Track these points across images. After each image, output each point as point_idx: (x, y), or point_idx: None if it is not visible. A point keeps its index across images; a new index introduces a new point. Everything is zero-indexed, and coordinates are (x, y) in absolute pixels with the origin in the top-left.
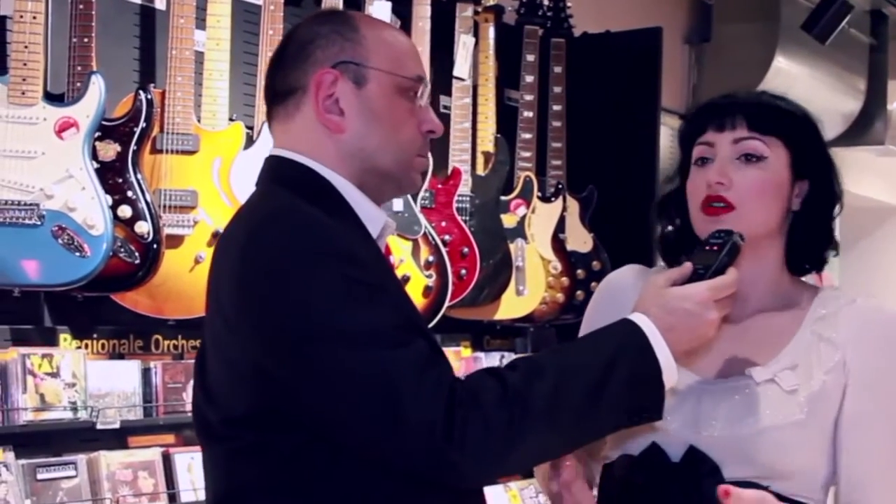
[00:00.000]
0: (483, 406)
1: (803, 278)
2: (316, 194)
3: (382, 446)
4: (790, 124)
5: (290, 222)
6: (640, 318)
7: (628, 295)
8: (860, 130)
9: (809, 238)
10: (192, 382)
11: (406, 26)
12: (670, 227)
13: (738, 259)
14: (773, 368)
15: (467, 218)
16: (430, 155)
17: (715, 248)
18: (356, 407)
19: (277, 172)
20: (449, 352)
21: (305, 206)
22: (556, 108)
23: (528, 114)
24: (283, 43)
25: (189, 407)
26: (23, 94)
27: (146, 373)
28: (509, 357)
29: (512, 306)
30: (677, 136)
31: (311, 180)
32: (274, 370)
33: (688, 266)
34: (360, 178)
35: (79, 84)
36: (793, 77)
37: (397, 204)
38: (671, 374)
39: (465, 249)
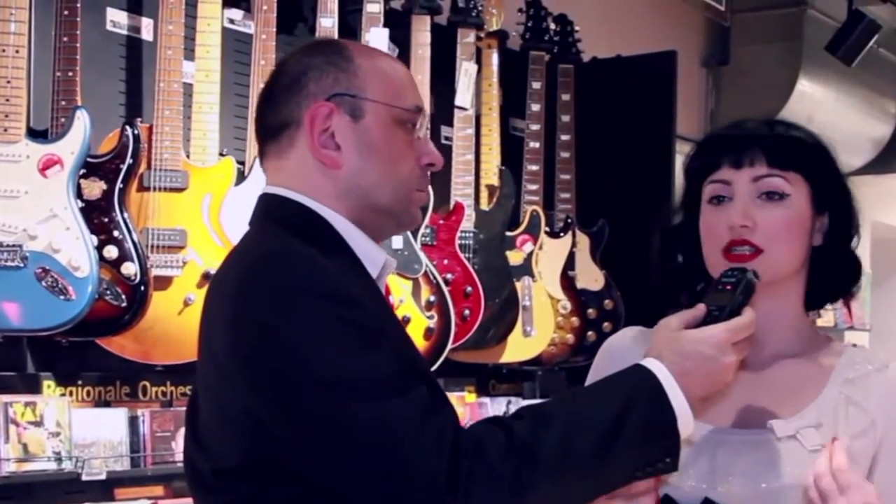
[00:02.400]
0: (488, 457)
1: (834, 313)
2: (312, 233)
3: (383, 499)
4: (809, 157)
5: (285, 264)
6: (653, 364)
7: (628, 359)
8: (891, 156)
9: (833, 273)
10: (181, 431)
11: (405, 53)
12: (676, 264)
13: (755, 299)
14: (795, 424)
15: (471, 255)
16: (430, 189)
17: (728, 287)
18: (355, 458)
19: (271, 211)
20: (452, 397)
21: (301, 246)
22: (565, 137)
23: (535, 144)
24: (274, 75)
25: (179, 457)
26: (5, 130)
27: (133, 421)
28: (516, 402)
29: (519, 348)
30: (683, 168)
31: (307, 219)
32: (268, 419)
33: (701, 307)
34: (358, 215)
35: (63, 119)
36: (817, 101)
37: (396, 241)
38: (687, 422)
39: (469, 288)
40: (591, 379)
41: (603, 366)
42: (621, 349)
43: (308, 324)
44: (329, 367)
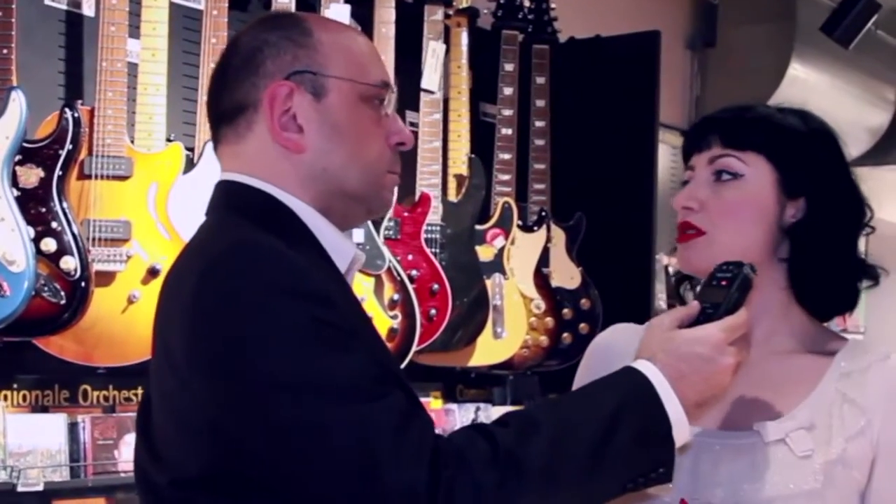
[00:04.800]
0: (471, 467)
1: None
2: (276, 224)
3: None
4: (773, 137)
5: (251, 258)
6: (645, 366)
7: (618, 359)
8: (890, 146)
9: (816, 266)
10: (125, 439)
11: (367, 31)
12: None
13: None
14: (785, 426)
15: (437, 250)
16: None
17: (723, 282)
18: (327, 468)
19: (232, 199)
20: None
21: (266, 237)
22: (539, 124)
23: (507, 131)
24: (226, 54)
25: (122, 467)
26: None
27: (73, 428)
28: (486, 409)
29: (489, 351)
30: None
31: (270, 208)
32: (232, 426)
33: (695, 305)
34: (324, 203)
35: None
36: (811, 86)
37: (357, 235)
38: (682, 430)
39: (435, 286)
40: (578, 382)
41: (591, 367)
42: (610, 348)
43: (277, 324)
44: (300, 370)
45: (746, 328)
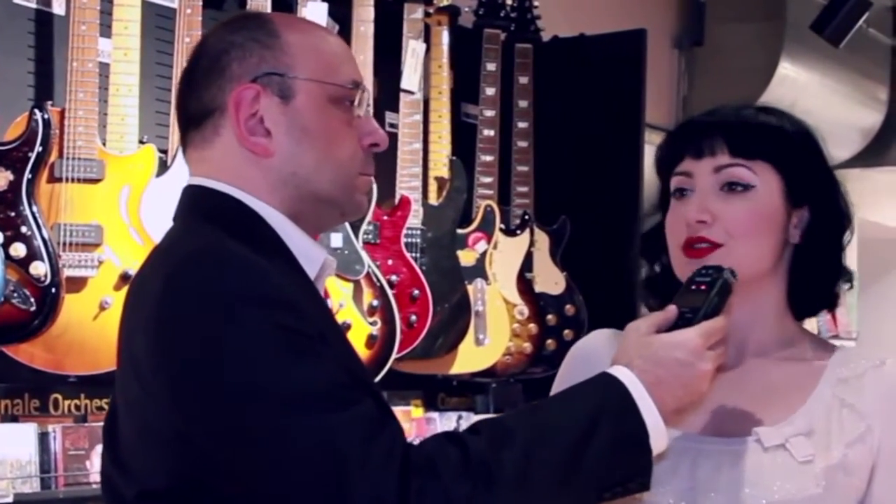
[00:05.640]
0: (442, 476)
1: (816, 319)
2: (243, 229)
3: None
4: (780, 145)
5: (215, 264)
6: (622, 372)
7: (599, 365)
8: (881, 148)
9: (815, 273)
10: (97, 449)
11: (346, 30)
12: (656, 268)
13: (731, 300)
14: (784, 431)
15: (418, 255)
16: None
17: (702, 287)
18: (294, 479)
19: (198, 204)
20: (397, 412)
21: (232, 243)
22: (522, 125)
23: (489, 132)
24: (193, 57)
25: (94, 478)
26: None
27: (44, 438)
28: (468, 418)
29: (471, 358)
30: (654, 162)
31: (237, 213)
32: (198, 436)
33: (672, 309)
34: (294, 208)
35: None
36: (801, 86)
37: (336, 239)
38: (659, 437)
39: (416, 292)
40: (557, 387)
41: (571, 372)
42: (591, 354)
43: (241, 331)
44: (265, 379)
45: (724, 333)
